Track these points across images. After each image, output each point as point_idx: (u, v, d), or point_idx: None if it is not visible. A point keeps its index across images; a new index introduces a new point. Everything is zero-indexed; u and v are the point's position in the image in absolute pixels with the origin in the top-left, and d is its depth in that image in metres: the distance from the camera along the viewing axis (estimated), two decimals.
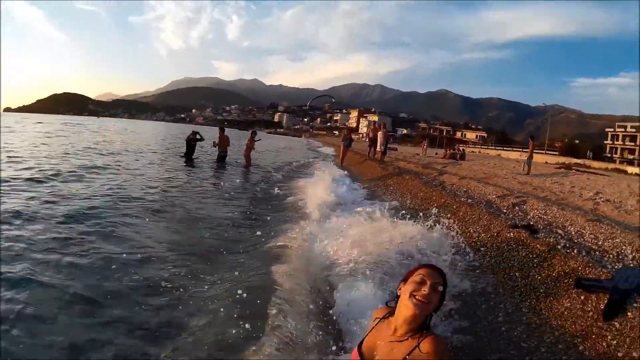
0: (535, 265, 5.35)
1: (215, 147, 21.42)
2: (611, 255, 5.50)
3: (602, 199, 11.29)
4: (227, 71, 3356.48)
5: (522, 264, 5.49)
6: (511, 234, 6.43)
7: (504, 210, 8.54)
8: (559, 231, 6.65)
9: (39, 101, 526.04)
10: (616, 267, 4.95)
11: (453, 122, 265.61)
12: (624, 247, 5.82)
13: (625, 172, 53.97)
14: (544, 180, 16.13)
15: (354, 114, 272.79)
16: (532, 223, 7.13)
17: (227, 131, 21.70)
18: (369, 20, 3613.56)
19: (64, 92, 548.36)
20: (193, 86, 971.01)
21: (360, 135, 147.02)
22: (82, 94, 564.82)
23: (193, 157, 21.51)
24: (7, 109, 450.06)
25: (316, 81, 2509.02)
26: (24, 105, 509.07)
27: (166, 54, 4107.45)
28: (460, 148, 51.64)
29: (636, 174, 51.00)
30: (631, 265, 5.14)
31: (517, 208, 8.73)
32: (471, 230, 7.34)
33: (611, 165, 64.57)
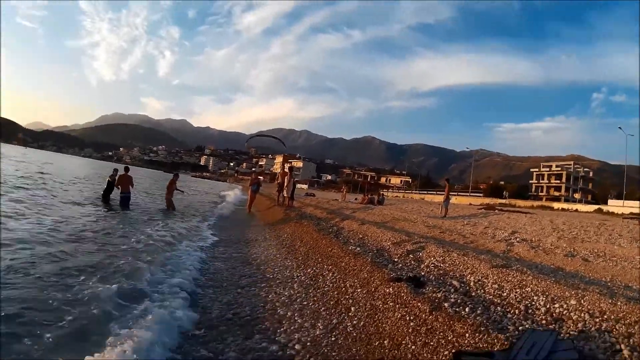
0: (410, 331, 4.14)
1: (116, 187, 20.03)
2: (517, 311, 4.38)
3: (517, 239, 10.58)
4: (155, 109, 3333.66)
5: (394, 330, 4.28)
6: (390, 289, 5.25)
7: (395, 259, 7.41)
8: (454, 282, 5.52)
9: None
10: (520, 328, 3.83)
11: (378, 168, 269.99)
12: (535, 298, 4.74)
13: (551, 208, 55.20)
14: (456, 222, 15.31)
15: (279, 159, 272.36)
16: (422, 274, 6.03)
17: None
18: (297, 65, 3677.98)
19: None
20: (122, 123, 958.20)
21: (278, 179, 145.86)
22: (12, 119, 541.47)
23: (110, 196, 20.10)
24: None
25: (243, 124, 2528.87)
26: None
27: (97, 84, 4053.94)
28: (381, 193, 51.52)
29: (562, 209, 52.15)
30: (543, 323, 4.00)
31: (411, 256, 7.57)
32: (347, 285, 6.17)
33: (537, 203, 65.98)
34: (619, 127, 69.61)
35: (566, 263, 7.55)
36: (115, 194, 19.76)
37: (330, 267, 7.53)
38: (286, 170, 23.62)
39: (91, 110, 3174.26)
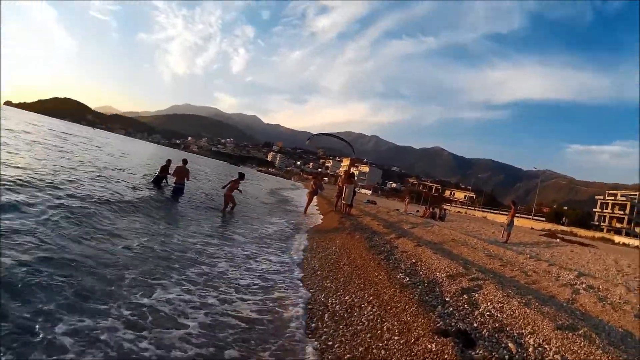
0: None
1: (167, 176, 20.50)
2: None
3: (584, 285, 9.40)
4: (227, 104, 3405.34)
5: None
6: (433, 345, 4.34)
7: (447, 298, 6.38)
8: (510, 345, 4.56)
9: (40, 101, 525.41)
10: None
11: (444, 181, 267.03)
12: None
13: (612, 241, 53.15)
14: (519, 255, 13.93)
15: (345, 162, 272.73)
16: (475, 326, 5.11)
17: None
18: (372, 70, 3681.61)
19: (66, 97, 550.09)
20: (192, 114, 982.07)
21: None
22: (83, 102, 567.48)
23: (162, 183, 20.55)
24: (8, 103, 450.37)
25: (314, 125, 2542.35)
26: (25, 103, 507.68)
27: (170, 78, 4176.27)
28: (444, 208, 50.38)
29: (623, 244, 50.01)
30: None
31: (465, 296, 6.50)
32: (384, 328, 5.26)
33: (598, 234, 63.85)
34: None
35: (635, 327, 6.46)
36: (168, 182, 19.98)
37: (371, 298, 6.62)
38: (348, 174, 23.05)
39: (163, 100, 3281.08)
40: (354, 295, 7.01)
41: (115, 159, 34.35)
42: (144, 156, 53.62)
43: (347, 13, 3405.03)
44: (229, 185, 18.49)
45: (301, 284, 8.25)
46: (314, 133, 27.60)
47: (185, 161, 19.80)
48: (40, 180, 13.33)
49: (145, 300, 6.02)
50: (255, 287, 7.77)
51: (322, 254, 11.39)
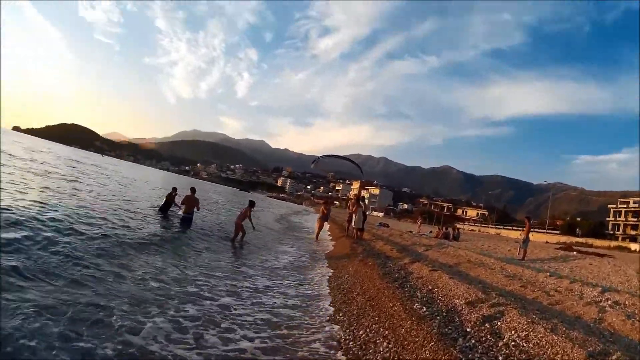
0: None
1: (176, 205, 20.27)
2: None
3: (609, 302, 8.96)
4: (234, 128, 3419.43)
5: None
6: None
7: (468, 328, 5.97)
8: None
9: (48, 127, 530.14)
10: None
11: (455, 199, 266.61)
12: None
13: (628, 249, 52.67)
14: (538, 273, 13.32)
15: (355, 185, 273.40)
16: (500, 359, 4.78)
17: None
18: (374, 90, 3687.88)
19: (73, 124, 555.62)
20: (200, 140, 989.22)
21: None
22: (91, 128, 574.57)
23: (168, 211, 20.36)
24: (16, 128, 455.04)
25: (322, 148, 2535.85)
26: (32, 128, 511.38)
27: (175, 102, 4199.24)
28: (457, 227, 49.98)
29: None
30: None
31: (487, 325, 6.08)
32: None
33: (614, 243, 63.31)
34: None
35: None
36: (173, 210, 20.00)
37: (387, 332, 6.21)
38: (357, 197, 22.79)
39: (169, 125, 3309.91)
40: (368, 330, 6.61)
41: (123, 187, 34.23)
42: (153, 184, 53.56)
43: (349, 34, 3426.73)
44: (239, 214, 18.23)
45: (312, 319, 7.81)
46: (319, 155, 27.28)
47: (193, 190, 19.47)
48: (46, 212, 12.95)
49: (135, 339, 5.66)
50: (261, 322, 7.33)
51: (334, 283, 11.00)
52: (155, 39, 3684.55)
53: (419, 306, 7.29)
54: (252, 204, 19.09)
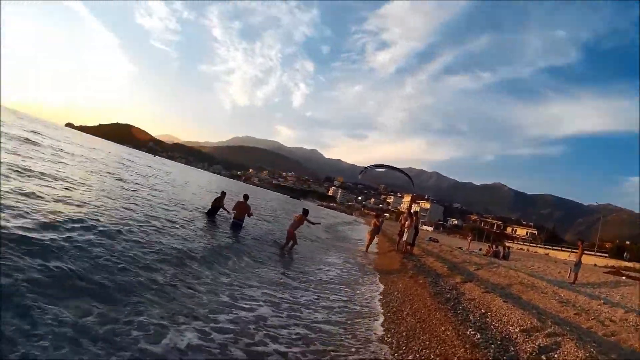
0: None
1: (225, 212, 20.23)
2: None
3: None
4: (287, 136, 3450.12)
5: None
6: None
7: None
8: None
9: (101, 126, 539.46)
10: None
11: (505, 217, 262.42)
12: None
13: None
14: (592, 300, 12.73)
15: (406, 198, 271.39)
16: None
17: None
18: (429, 105, 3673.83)
19: (126, 124, 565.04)
20: (253, 146, 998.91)
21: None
22: (144, 129, 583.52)
23: (215, 215, 20.20)
24: (69, 125, 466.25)
25: (374, 160, 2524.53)
26: (85, 126, 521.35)
27: (230, 109, 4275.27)
28: (507, 246, 48.83)
29: None
30: None
31: (544, 358, 5.87)
32: None
33: None
34: None
35: None
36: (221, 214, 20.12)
37: (437, 359, 5.96)
38: (409, 211, 22.41)
39: (223, 131, 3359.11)
40: (417, 355, 6.29)
41: (174, 187, 34.68)
42: (205, 186, 53.87)
43: (406, 47, 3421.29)
44: (292, 222, 18.13)
45: (354, 337, 7.41)
46: (366, 166, 26.58)
47: (246, 197, 19.37)
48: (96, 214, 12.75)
49: (157, 349, 5.40)
50: (295, 337, 7.01)
51: (384, 300, 10.62)
52: (212, 47, 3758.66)
53: (473, 332, 7.01)
54: (306, 212, 18.86)
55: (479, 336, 6.76)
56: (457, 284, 12.06)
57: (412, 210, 22.86)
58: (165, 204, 20.19)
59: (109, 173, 28.02)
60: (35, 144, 31.12)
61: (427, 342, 6.84)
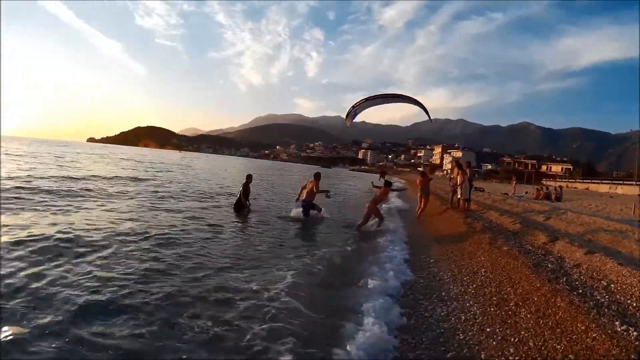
0: None
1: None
2: None
3: None
4: (308, 108, 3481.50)
5: None
6: None
7: None
8: None
9: (122, 133, 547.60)
10: None
11: (537, 155, 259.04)
12: None
13: None
14: None
15: (437, 150, 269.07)
16: None
17: (312, 167, 18.26)
18: (444, 54, 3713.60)
19: (148, 126, 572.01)
20: (276, 123, 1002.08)
21: (445, 172, 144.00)
22: (166, 127, 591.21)
23: (245, 209, 17.71)
24: (91, 139, 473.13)
25: (398, 117, 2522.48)
26: (107, 137, 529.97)
27: (246, 90, 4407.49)
28: (560, 186, 46.65)
29: None
30: None
31: None
32: None
33: None
34: None
35: None
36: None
37: None
38: (458, 163, 21.17)
39: (244, 114, 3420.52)
40: None
41: (199, 180, 34.90)
42: (231, 172, 52.97)
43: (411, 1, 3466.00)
44: (374, 197, 16.30)
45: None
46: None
47: (318, 175, 17.73)
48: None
49: None
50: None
51: (468, 277, 8.32)
52: (218, 33, 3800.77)
53: (619, 324, 4.87)
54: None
55: (633, 330, 4.65)
56: (544, 244, 9.77)
57: (464, 161, 20.99)
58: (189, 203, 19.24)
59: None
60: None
61: (561, 347, 4.79)
